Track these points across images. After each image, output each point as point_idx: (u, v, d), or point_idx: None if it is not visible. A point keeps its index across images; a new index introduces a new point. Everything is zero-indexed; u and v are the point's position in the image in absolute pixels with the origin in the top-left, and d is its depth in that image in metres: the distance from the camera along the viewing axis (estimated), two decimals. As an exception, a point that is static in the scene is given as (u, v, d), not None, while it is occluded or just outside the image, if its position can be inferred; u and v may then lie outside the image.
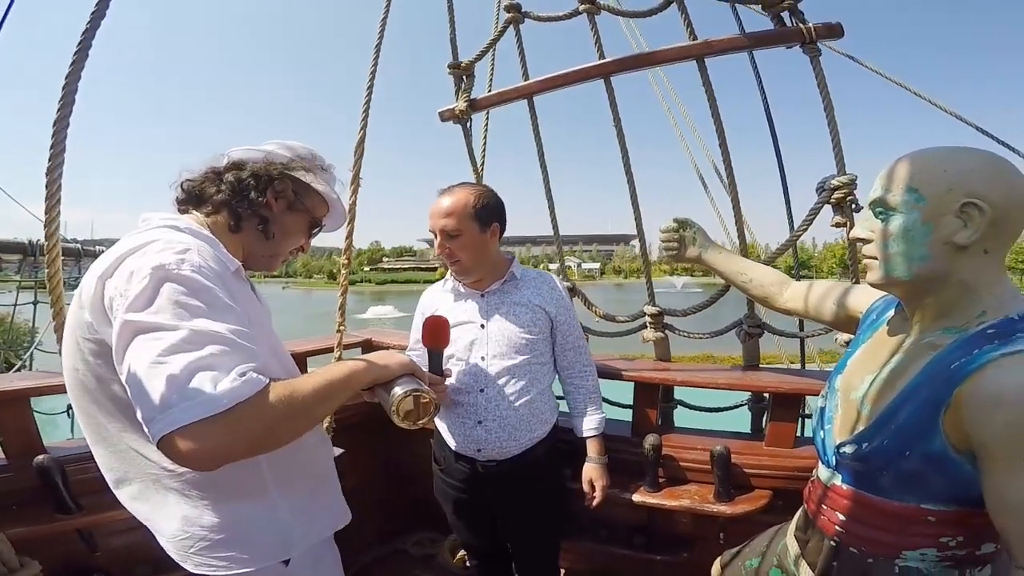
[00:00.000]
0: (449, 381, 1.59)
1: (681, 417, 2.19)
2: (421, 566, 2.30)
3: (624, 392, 2.06)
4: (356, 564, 2.24)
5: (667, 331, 2.14)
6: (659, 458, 1.77)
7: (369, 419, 1.73)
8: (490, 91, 2.31)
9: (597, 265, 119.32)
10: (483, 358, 1.55)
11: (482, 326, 1.57)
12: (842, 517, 0.96)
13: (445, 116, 2.28)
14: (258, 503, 1.01)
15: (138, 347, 0.78)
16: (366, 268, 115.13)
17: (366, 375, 1.00)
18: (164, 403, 0.74)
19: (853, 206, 1.71)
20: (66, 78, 1.32)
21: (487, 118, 2.42)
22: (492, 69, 2.39)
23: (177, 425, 0.73)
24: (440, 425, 1.66)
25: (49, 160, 1.34)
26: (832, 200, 1.72)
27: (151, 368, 0.75)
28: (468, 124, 2.27)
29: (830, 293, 1.26)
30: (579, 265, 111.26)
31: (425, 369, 1.69)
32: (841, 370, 1.05)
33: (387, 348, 2.31)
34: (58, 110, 1.33)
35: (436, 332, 1.32)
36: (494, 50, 2.31)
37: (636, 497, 1.74)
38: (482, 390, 1.54)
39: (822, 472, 1.03)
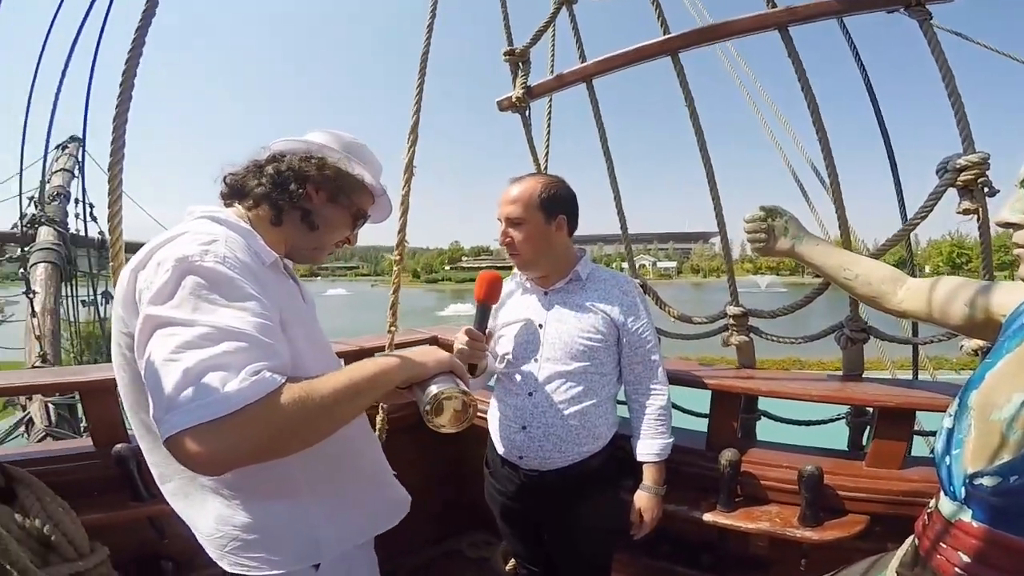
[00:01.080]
0: (502, 382, 1.54)
1: (765, 429, 1.97)
2: (474, 568, 2.26)
3: (698, 399, 1.89)
4: (408, 564, 2.23)
5: (752, 334, 1.94)
6: (737, 475, 1.59)
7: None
8: (551, 77, 2.19)
9: (673, 264, 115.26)
10: (536, 360, 1.47)
11: (540, 326, 1.49)
12: (966, 559, 0.80)
13: (503, 105, 2.20)
14: (288, 505, 0.99)
15: (155, 343, 0.76)
16: (447, 267, 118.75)
17: (398, 373, 0.93)
18: (170, 404, 0.71)
19: (986, 189, 1.42)
20: (122, 75, 1.36)
21: (550, 106, 2.30)
22: (552, 54, 2.26)
23: (180, 427, 0.70)
24: (490, 427, 1.59)
25: (111, 155, 1.39)
26: (958, 183, 1.44)
27: (163, 366, 0.73)
28: (527, 113, 2.18)
29: (961, 292, 1.05)
30: (654, 264, 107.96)
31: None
32: (977, 384, 0.85)
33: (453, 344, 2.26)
34: (116, 106, 1.37)
35: (490, 286, 1.33)
36: (552, 35, 2.18)
37: (707, 516, 1.59)
38: (530, 394, 1.45)
39: (944, 505, 0.85)
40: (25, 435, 4.50)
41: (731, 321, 1.94)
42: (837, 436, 1.95)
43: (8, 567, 0.77)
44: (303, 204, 1.05)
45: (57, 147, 6.83)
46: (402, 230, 1.76)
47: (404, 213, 1.74)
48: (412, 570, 2.22)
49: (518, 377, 1.48)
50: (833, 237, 1.91)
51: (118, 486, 1.56)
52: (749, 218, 1.39)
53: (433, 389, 0.94)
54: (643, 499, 1.49)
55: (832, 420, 2.03)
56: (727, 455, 1.57)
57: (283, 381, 0.77)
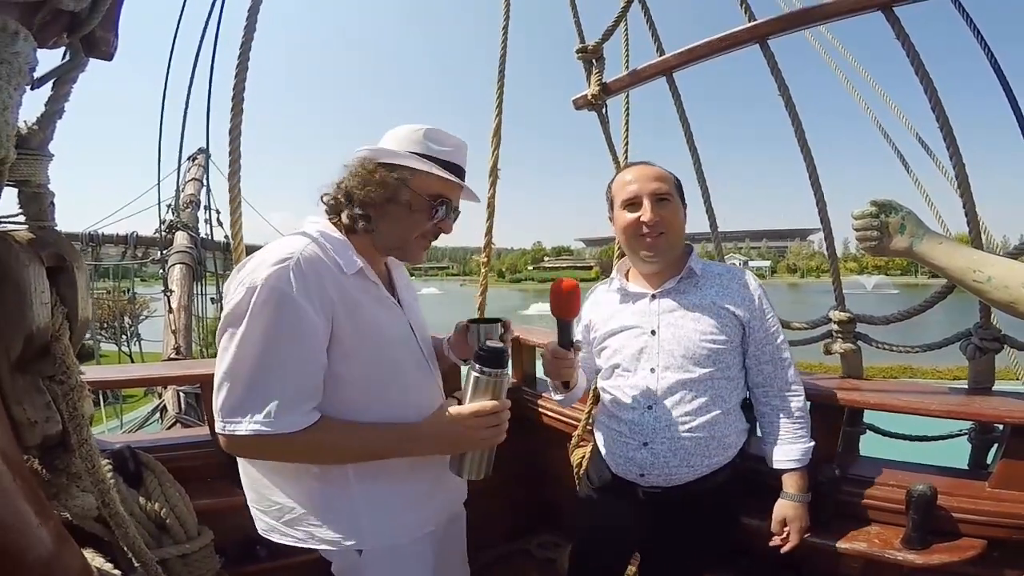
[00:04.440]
0: (611, 396, 1.44)
1: (870, 443, 1.79)
2: (540, 570, 2.25)
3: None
4: (479, 558, 2.24)
5: (860, 342, 1.77)
6: (834, 492, 1.46)
7: (512, 420, 1.71)
8: (626, 72, 2.13)
9: (767, 263, 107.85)
10: (653, 370, 1.35)
11: (652, 332, 1.37)
12: None
13: (579, 104, 2.16)
14: (335, 489, 1.08)
15: (220, 348, 1.00)
16: (530, 267, 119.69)
17: (418, 452, 1.12)
18: (219, 406, 0.98)
19: None
20: (233, 89, 1.48)
21: (627, 102, 2.24)
22: (627, 48, 2.19)
23: (218, 430, 0.99)
24: (599, 443, 1.50)
25: (229, 165, 1.53)
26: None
27: (222, 378, 0.97)
28: (604, 110, 2.12)
29: None
30: (746, 263, 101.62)
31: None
32: None
33: (535, 346, 2.25)
34: (231, 120, 1.50)
35: (567, 298, 1.18)
36: (626, 30, 2.12)
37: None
38: (650, 407, 1.34)
39: None
40: (159, 420, 5.13)
41: (836, 327, 1.77)
42: (953, 453, 1.73)
43: (125, 549, 0.88)
44: (364, 210, 1.09)
45: (188, 159, 7.73)
46: (489, 232, 1.79)
47: (491, 216, 1.75)
48: (481, 565, 2.24)
49: (632, 391, 1.37)
50: (956, 235, 1.69)
51: (226, 473, 1.66)
52: (858, 214, 1.23)
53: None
54: (788, 508, 1.34)
55: (951, 436, 1.80)
56: (825, 472, 1.44)
57: (298, 429, 0.98)
